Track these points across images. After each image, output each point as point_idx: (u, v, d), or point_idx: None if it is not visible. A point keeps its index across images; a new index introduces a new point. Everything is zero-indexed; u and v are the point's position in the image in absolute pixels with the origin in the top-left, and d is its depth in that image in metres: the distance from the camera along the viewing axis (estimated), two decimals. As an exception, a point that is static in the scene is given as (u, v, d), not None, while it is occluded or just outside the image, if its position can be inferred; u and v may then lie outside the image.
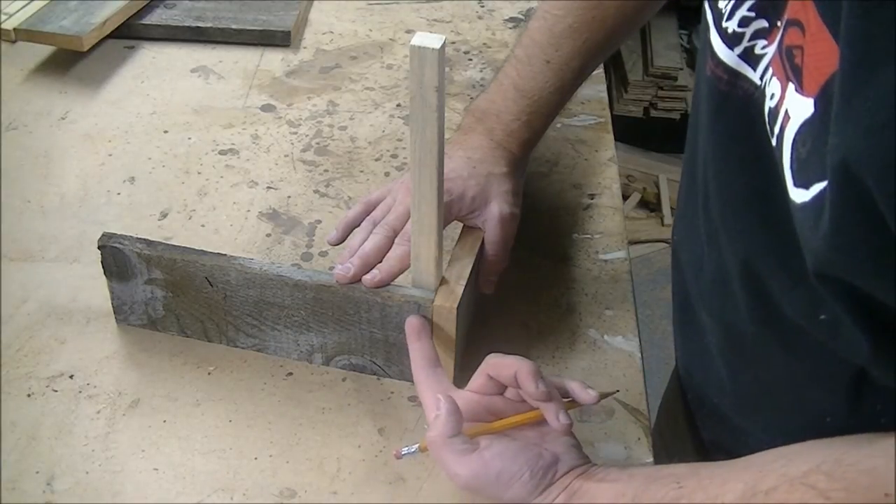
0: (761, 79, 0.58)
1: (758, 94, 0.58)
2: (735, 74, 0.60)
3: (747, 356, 0.69)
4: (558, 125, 1.05)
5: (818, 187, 0.49)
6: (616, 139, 1.06)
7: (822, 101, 0.49)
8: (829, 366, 0.60)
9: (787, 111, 0.52)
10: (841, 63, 0.46)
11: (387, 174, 1.00)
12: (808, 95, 0.51)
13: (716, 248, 0.66)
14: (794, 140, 0.51)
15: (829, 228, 0.48)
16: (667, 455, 0.75)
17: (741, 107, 0.59)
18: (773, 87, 0.55)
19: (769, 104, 0.55)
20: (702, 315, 0.73)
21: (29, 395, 0.76)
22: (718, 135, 0.63)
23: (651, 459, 0.72)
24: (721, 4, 0.61)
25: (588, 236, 0.92)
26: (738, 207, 0.62)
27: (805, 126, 0.51)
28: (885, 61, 0.43)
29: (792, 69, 0.53)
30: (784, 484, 0.54)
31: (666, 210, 2.45)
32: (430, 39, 0.62)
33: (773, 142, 0.54)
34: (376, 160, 1.02)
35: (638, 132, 2.56)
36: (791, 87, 0.52)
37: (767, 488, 0.54)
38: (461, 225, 0.81)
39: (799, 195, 0.51)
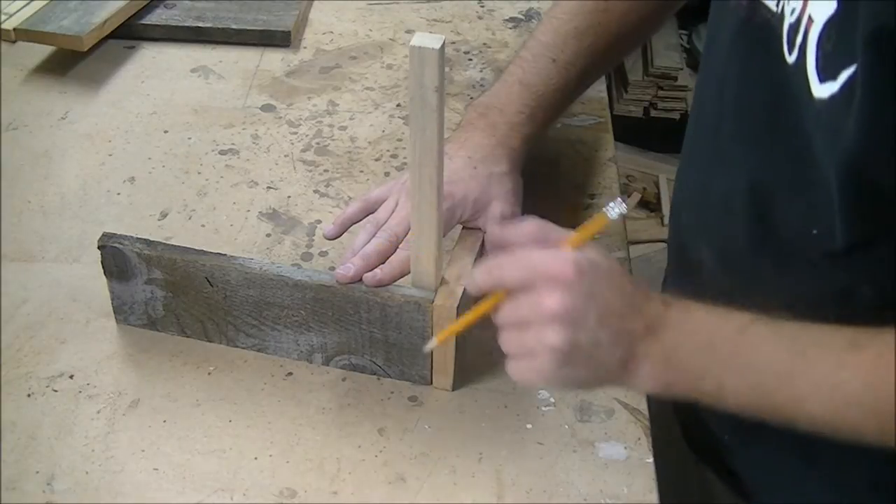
0: (778, 5, 0.63)
1: (774, 19, 0.63)
2: (756, 1, 0.65)
3: (741, 278, 0.73)
4: (558, 125, 1.05)
5: (846, 73, 0.55)
6: (616, 139, 1.06)
7: None
8: (817, 284, 0.66)
9: (809, 16, 0.59)
10: None
11: (387, 174, 1.00)
12: None
13: (724, 168, 0.71)
14: (819, 39, 0.57)
15: (862, 100, 0.53)
16: None
17: (759, 30, 0.65)
18: (792, 4, 0.60)
19: (789, 21, 0.61)
20: (699, 249, 0.77)
21: (29, 395, 0.76)
22: (738, 56, 0.68)
23: (651, 460, 0.72)
24: None
25: (588, 236, 0.92)
26: (752, 121, 0.67)
27: (829, 23, 0.56)
28: None
29: None
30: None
31: (666, 210, 2.45)
32: (429, 40, 0.62)
33: (794, 54, 0.60)
34: (376, 160, 1.02)
35: (638, 132, 2.55)
36: None
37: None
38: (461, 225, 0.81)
39: (826, 90, 0.57)
